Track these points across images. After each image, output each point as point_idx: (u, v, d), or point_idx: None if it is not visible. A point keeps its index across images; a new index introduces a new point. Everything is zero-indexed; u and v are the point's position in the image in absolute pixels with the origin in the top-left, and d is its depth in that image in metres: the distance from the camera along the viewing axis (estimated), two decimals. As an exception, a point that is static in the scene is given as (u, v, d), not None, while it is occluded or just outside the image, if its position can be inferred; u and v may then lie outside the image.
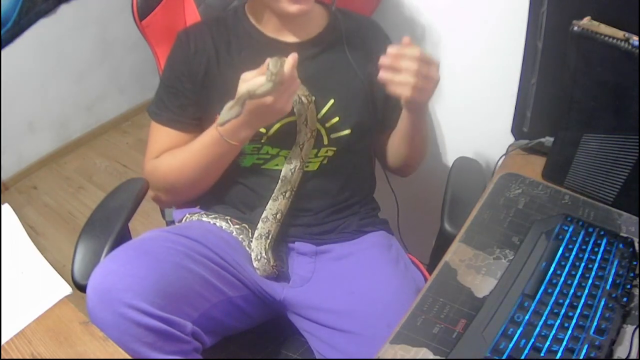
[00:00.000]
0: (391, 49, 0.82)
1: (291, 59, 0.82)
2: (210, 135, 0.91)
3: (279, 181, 0.95)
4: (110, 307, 0.72)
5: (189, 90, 0.96)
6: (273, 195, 0.94)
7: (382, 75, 0.84)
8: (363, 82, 0.99)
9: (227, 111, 0.81)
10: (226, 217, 0.99)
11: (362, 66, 0.99)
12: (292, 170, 0.94)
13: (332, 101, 0.96)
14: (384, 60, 0.82)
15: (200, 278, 0.83)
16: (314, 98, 0.94)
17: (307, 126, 0.93)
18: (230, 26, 0.99)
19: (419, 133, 1.00)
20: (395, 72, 0.83)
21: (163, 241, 0.84)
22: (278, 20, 0.96)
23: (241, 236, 0.97)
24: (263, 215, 0.94)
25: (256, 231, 0.94)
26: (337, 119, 0.96)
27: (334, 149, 0.98)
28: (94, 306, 0.73)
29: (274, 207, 0.94)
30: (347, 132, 0.97)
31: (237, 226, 0.97)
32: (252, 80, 0.82)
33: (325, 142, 0.97)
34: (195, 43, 0.96)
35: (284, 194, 0.94)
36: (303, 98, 0.92)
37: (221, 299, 0.86)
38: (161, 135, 0.99)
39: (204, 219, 0.99)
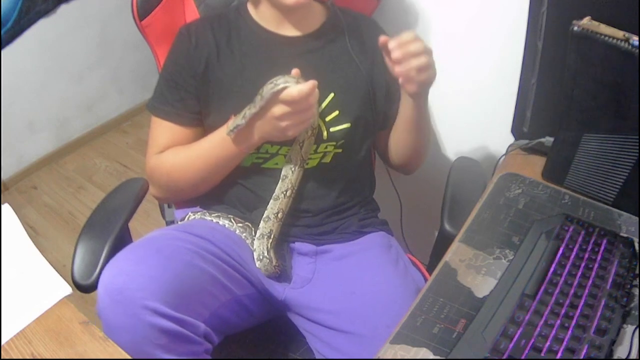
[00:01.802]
0: (396, 43, 0.81)
1: (311, 84, 0.81)
2: (218, 137, 0.91)
3: (280, 180, 0.95)
4: (124, 308, 0.71)
5: (189, 83, 0.96)
6: (274, 194, 0.94)
7: (398, 70, 0.83)
8: (364, 75, 0.99)
9: (234, 120, 0.86)
10: (229, 216, 0.99)
11: (363, 60, 1.00)
12: (293, 169, 0.94)
13: (332, 95, 0.96)
14: (394, 53, 0.81)
15: (211, 277, 0.82)
16: (333, 95, 0.95)
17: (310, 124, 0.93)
18: (232, 21, 0.99)
19: (423, 120, 1.00)
20: (406, 66, 0.83)
21: (172, 239, 0.84)
22: (278, 14, 0.96)
23: (244, 234, 0.97)
24: (264, 215, 0.94)
25: (258, 231, 0.94)
26: (336, 112, 0.96)
27: (334, 144, 0.98)
28: (105, 307, 0.72)
29: (275, 207, 0.94)
30: (346, 125, 0.97)
31: (240, 224, 0.97)
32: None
33: (325, 136, 0.97)
34: (196, 37, 0.96)
35: (284, 192, 0.94)
36: None
37: (229, 297, 0.86)
38: (161, 129, 0.99)
39: (207, 217, 0.99)
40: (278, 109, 0.83)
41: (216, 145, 0.92)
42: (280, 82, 0.82)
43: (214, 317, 0.82)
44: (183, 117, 0.98)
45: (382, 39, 0.83)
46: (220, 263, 0.86)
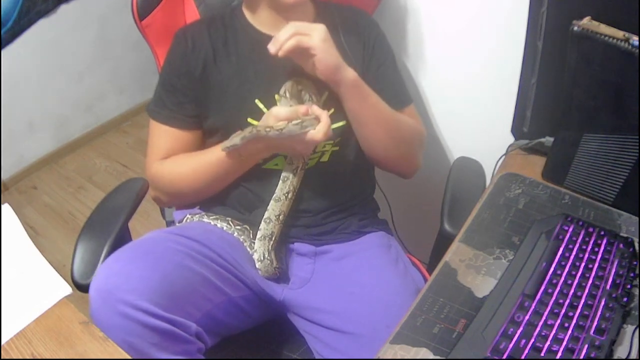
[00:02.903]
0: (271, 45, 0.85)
1: (328, 121, 0.85)
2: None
3: (280, 182, 0.95)
4: (114, 309, 0.71)
5: (186, 87, 0.96)
6: (275, 196, 0.94)
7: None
8: (358, 70, 0.98)
9: (232, 138, 0.87)
10: (227, 218, 0.99)
11: (357, 55, 0.99)
12: (294, 171, 0.94)
13: (326, 93, 0.96)
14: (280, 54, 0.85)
15: (203, 278, 0.83)
16: (327, 93, 0.95)
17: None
18: (227, 24, 0.99)
19: (364, 114, 0.95)
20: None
21: (165, 241, 0.84)
22: (273, 15, 0.96)
23: (242, 237, 0.97)
24: (265, 216, 0.94)
25: (259, 232, 0.94)
26: (332, 110, 0.96)
27: (331, 142, 0.98)
28: (98, 308, 0.72)
29: (276, 208, 0.94)
30: (342, 123, 0.97)
31: (239, 227, 0.97)
32: (267, 120, 0.87)
33: None
34: (192, 41, 0.96)
35: (286, 194, 0.94)
36: (314, 97, 0.92)
37: (223, 299, 0.86)
38: (161, 133, 0.99)
39: (205, 219, 0.99)
40: (301, 147, 0.88)
41: (223, 158, 0.92)
42: (297, 126, 0.84)
43: (207, 317, 0.82)
44: (182, 120, 0.98)
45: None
46: (213, 265, 0.86)
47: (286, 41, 0.83)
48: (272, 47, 0.85)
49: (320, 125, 0.85)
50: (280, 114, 0.84)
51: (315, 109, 0.85)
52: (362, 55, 1.01)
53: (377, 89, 0.96)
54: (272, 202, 0.94)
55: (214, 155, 0.93)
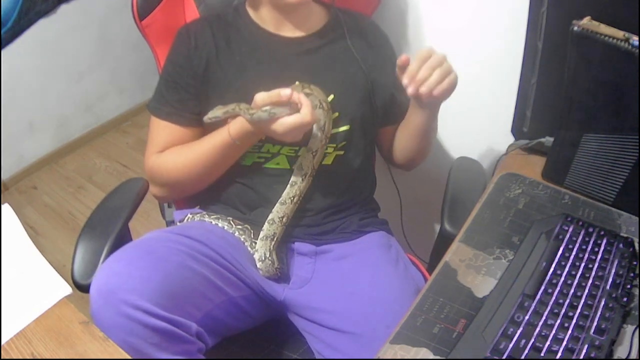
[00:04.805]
0: (417, 63, 0.84)
1: (308, 106, 0.83)
2: (220, 136, 0.92)
3: (288, 186, 0.95)
4: (115, 309, 0.71)
5: (189, 84, 0.96)
6: (281, 199, 0.94)
7: (422, 90, 0.85)
8: (365, 75, 0.99)
9: (215, 110, 0.90)
10: (228, 218, 0.99)
11: (364, 60, 1.00)
12: (303, 177, 0.94)
13: (331, 96, 0.96)
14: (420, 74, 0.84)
15: (203, 278, 0.83)
16: (333, 96, 0.95)
17: (323, 132, 0.93)
18: (231, 22, 1.00)
19: (432, 128, 1.01)
20: (420, 82, 0.85)
21: (165, 241, 0.84)
22: (277, 15, 0.96)
23: (243, 237, 0.97)
24: (269, 217, 0.94)
25: (262, 232, 0.94)
26: (336, 114, 0.97)
27: (334, 145, 0.98)
28: (99, 308, 0.72)
29: (281, 211, 0.94)
30: (345, 127, 0.98)
31: (240, 227, 0.97)
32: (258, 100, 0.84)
33: None
34: (195, 38, 0.97)
35: (292, 198, 0.94)
36: (324, 104, 0.91)
37: (223, 299, 0.86)
38: (161, 130, 0.99)
39: (206, 219, 0.99)
40: (290, 137, 0.85)
41: (219, 145, 0.92)
42: (265, 113, 0.82)
43: (208, 317, 0.82)
44: (183, 117, 0.98)
45: (403, 58, 0.85)
46: (214, 265, 0.86)
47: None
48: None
49: (304, 108, 0.82)
50: (259, 98, 0.83)
51: (295, 95, 0.82)
52: (372, 60, 1.01)
53: (393, 92, 0.97)
54: (277, 204, 0.94)
55: (210, 143, 0.93)
